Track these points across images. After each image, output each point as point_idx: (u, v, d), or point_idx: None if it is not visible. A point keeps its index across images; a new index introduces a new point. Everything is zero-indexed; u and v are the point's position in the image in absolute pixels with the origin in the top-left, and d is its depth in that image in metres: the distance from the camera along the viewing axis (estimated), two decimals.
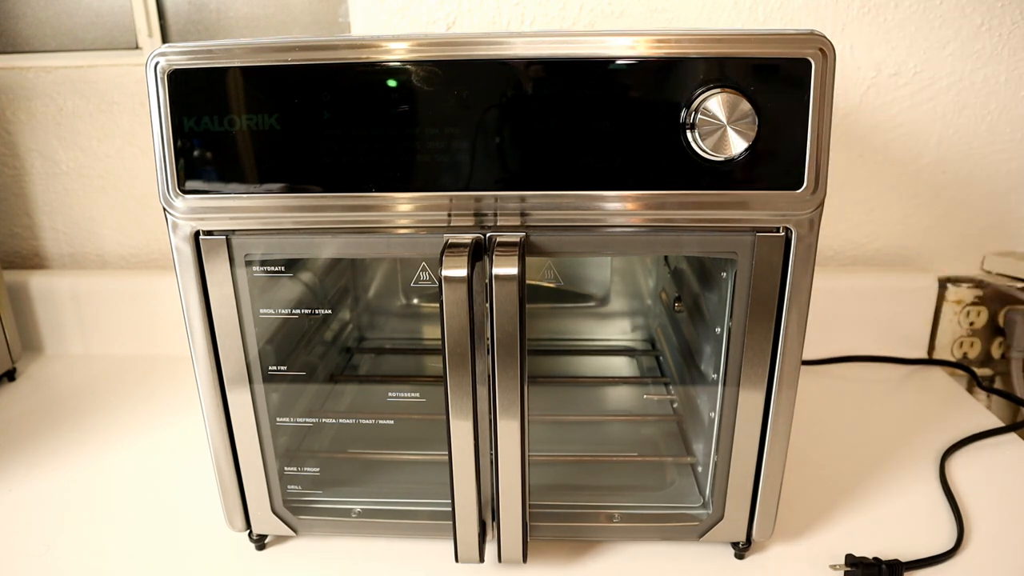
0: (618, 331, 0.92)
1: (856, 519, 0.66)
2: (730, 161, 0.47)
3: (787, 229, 0.49)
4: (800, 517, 0.66)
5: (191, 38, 0.94)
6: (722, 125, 0.45)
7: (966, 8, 0.86)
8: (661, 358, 0.86)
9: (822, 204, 0.48)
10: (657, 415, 0.76)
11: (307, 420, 0.64)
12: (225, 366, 0.55)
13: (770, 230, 0.49)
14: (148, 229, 1.03)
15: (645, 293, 0.90)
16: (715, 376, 0.57)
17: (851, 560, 0.59)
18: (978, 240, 0.97)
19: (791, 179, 0.47)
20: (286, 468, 0.62)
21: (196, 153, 0.48)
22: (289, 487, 0.62)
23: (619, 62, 0.45)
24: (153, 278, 0.99)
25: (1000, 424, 0.80)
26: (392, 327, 0.91)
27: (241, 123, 0.47)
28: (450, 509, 0.55)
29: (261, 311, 0.56)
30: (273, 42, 0.46)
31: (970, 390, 0.96)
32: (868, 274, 0.95)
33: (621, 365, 0.89)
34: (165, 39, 0.94)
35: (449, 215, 0.50)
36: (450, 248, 0.49)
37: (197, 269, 0.52)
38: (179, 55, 0.47)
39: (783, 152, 0.47)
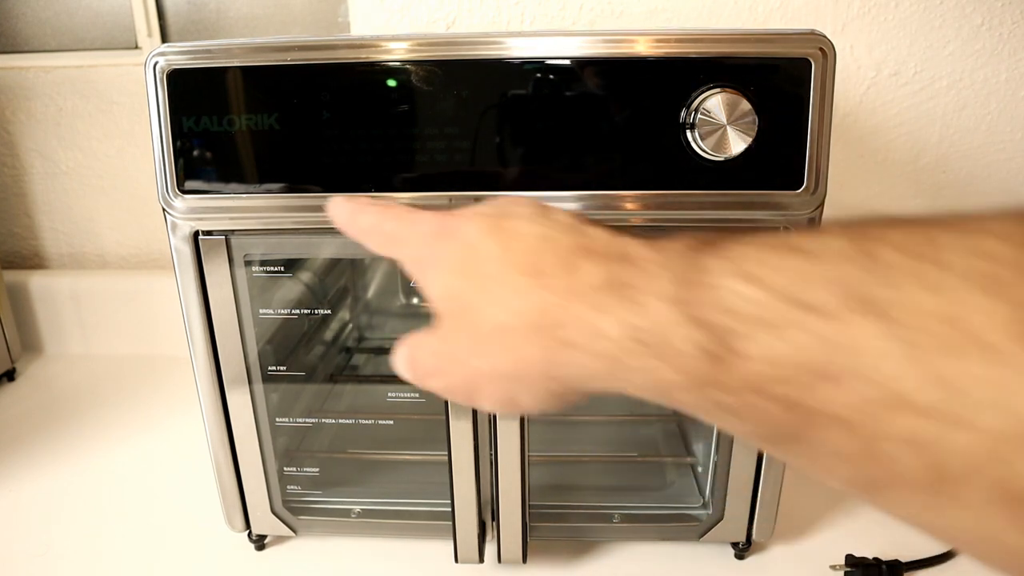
0: None
1: (856, 519, 0.66)
2: (730, 161, 0.46)
3: (787, 229, 0.49)
4: (800, 517, 0.66)
5: (191, 38, 0.94)
6: (722, 125, 0.45)
7: (966, 8, 0.86)
8: None
9: (822, 204, 0.48)
10: (657, 415, 0.76)
11: (307, 420, 0.64)
12: (225, 366, 0.55)
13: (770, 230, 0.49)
14: (148, 229, 1.03)
15: None
16: None
17: (851, 560, 0.59)
18: None
19: (791, 179, 0.47)
20: (286, 468, 0.62)
21: (195, 153, 0.48)
22: (289, 487, 0.62)
23: (619, 62, 0.45)
24: (153, 278, 0.99)
25: None
26: (392, 327, 0.91)
27: (240, 123, 0.47)
28: (450, 509, 0.55)
29: (261, 311, 0.56)
30: (272, 42, 0.46)
31: None
32: None
33: None
34: (165, 39, 0.94)
35: None
36: None
37: (197, 269, 0.52)
38: (178, 55, 0.46)
39: (783, 152, 0.47)
